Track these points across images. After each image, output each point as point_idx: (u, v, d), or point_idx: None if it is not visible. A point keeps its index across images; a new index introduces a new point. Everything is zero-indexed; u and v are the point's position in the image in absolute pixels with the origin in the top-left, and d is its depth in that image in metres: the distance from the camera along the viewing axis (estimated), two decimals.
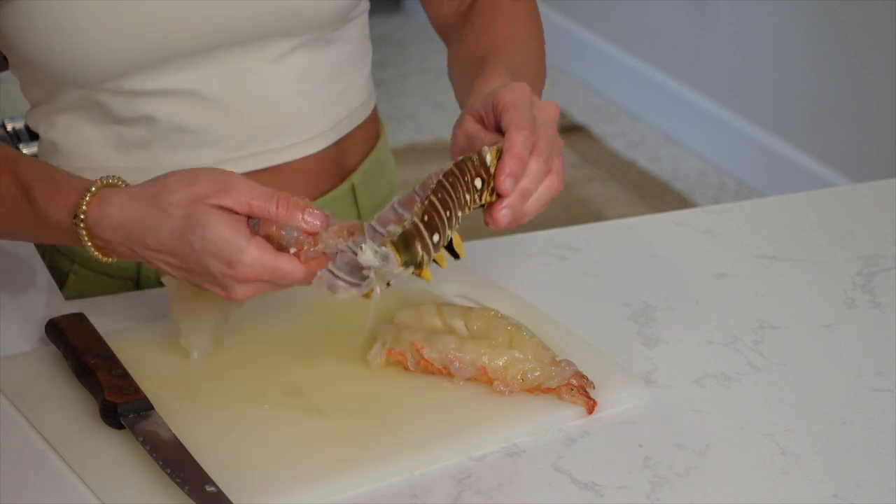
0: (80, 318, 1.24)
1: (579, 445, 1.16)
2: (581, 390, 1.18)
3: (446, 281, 1.36)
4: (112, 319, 1.29)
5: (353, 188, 1.51)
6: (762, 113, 3.88)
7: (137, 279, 1.45)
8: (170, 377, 1.20)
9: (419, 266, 1.12)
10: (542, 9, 1.58)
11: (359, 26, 1.48)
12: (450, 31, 1.49)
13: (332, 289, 1.12)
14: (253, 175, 1.40)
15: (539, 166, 1.16)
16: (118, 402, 1.13)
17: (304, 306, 1.30)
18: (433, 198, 1.12)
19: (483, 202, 1.16)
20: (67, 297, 1.41)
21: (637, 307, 1.36)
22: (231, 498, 1.05)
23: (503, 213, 1.15)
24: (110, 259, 1.19)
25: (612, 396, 1.20)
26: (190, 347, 1.22)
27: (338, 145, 1.48)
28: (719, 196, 3.87)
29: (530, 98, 1.19)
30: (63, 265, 1.46)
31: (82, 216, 1.16)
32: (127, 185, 1.18)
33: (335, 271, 1.12)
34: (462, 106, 1.31)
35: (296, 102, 1.42)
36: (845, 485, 1.12)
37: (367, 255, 1.11)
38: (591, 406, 1.18)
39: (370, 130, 1.55)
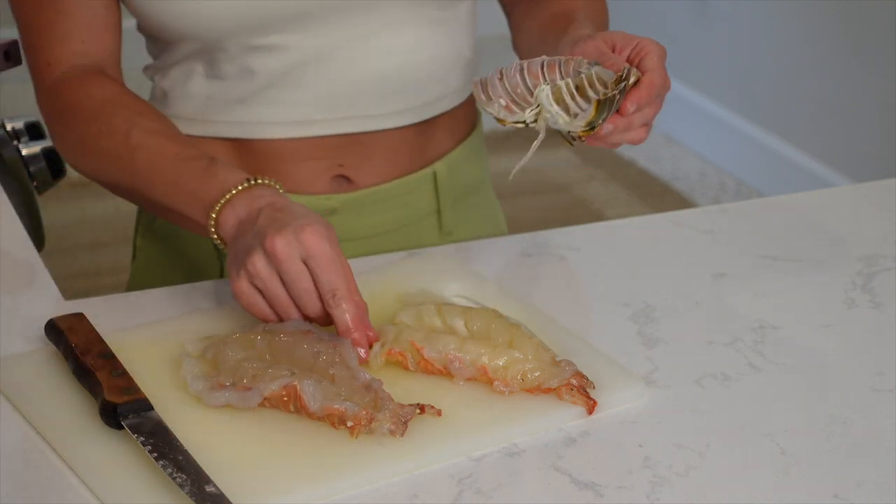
0: (79, 318, 1.24)
1: (579, 445, 1.16)
2: (581, 390, 1.18)
3: (446, 281, 1.36)
4: (112, 319, 1.29)
5: (434, 176, 1.54)
6: (762, 113, 3.88)
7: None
8: (169, 377, 1.20)
9: (591, 129, 1.27)
10: None
11: (466, 11, 1.52)
12: (517, 3, 1.53)
13: (491, 94, 1.28)
14: (334, 140, 1.47)
15: (647, 115, 1.30)
16: (118, 403, 1.13)
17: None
18: (617, 94, 1.26)
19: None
20: (134, 275, 1.54)
21: (637, 307, 1.36)
22: (231, 498, 1.05)
23: (606, 127, 1.28)
24: (216, 230, 1.27)
25: (612, 396, 1.20)
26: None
27: (424, 126, 1.52)
28: (719, 196, 3.87)
29: (664, 54, 1.33)
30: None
31: (259, 181, 1.28)
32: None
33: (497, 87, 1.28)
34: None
35: (391, 73, 1.46)
36: (845, 485, 1.12)
37: (545, 93, 1.27)
38: (591, 406, 1.18)
39: (464, 119, 1.57)
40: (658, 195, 3.88)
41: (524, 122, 1.28)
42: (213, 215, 1.27)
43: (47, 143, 1.70)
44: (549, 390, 1.18)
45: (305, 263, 1.20)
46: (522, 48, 1.49)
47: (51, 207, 3.53)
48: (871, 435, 1.18)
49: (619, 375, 1.23)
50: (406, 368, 1.21)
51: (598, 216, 3.71)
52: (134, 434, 1.11)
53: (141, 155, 1.34)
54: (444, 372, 1.20)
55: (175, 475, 1.06)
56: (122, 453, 1.11)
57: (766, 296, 1.40)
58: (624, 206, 3.81)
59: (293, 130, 1.47)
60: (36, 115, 1.74)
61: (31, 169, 1.68)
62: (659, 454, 1.15)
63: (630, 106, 1.27)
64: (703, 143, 4.09)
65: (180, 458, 1.08)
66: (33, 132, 1.70)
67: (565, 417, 1.18)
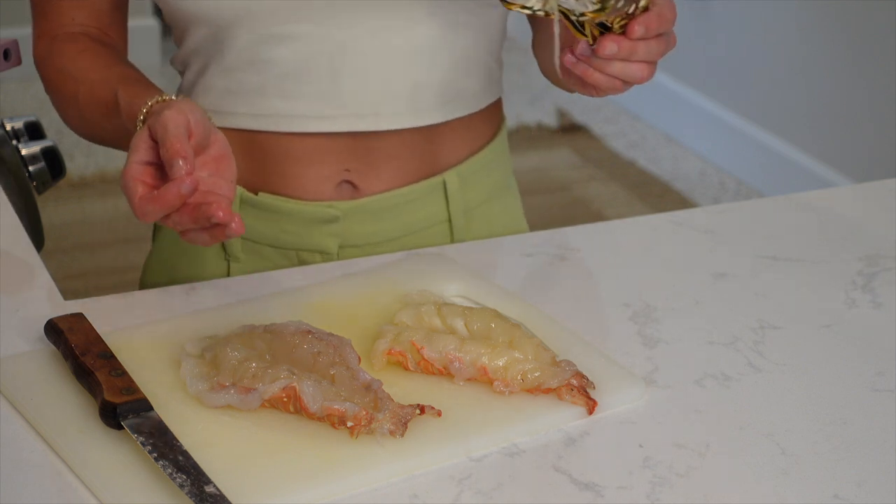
0: (79, 318, 1.24)
1: (579, 446, 1.15)
2: (581, 390, 1.18)
3: (446, 281, 1.36)
4: (112, 319, 1.29)
5: (444, 185, 1.52)
6: (762, 113, 3.88)
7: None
8: (169, 377, 1.20)
9: (602, 10, 1.21)
10: None
11: (496, 19, 1.50)
12: None
13: None
14: (343, 141, 1.47)
15: (652, 50, 1.26)
16: (117, 403, 1.13)
17: (302, 306, 1.30)
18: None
19: (609, 24, 1.25)
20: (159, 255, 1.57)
21: (637, 307, 1.36)
22: (231, 498, 1.05)
23: (610, 46, 1.24)
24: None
25: (613, 397, 1.20)
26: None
27: (435, 132, 1.50)
28: (719, 196, 3.87)
29: None
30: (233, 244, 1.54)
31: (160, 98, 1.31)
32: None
33: None
34: (546, 75, 1.49)
35: (405, 71, 1.45)
36: (846, 485, 1.12)
37: None
38: (591, 406, 1.18)
39: (482, 127, 1.55)
40: (658, 195, 3.88)
41: (530, 8, 1.23)
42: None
43: (47, 143, 1.70)
44: (549, 390, 1.18)
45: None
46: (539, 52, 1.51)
47: (50, 207, 3.54)
48: (871, 435, 1.18)
49: (619, 375, 1.23)
50: (406, 369, 1.21)
51: (598, 216, 3.71)
52: (134, 434, 1.10)
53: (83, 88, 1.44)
54: (444, 372, 1.20)
55: (175, 475, 1.06)
56: (121, 453, 1.11)
57: (766, 296, 1.40)
58: (624, 206, 3.81)
59: (305, 124, 1.46)
60: (36, 115, 1.74)
61: (31, 169, 1.68)
62: (659, 454, 1.15)
63: (638, 28, 1.23)
64: (703, 143, 4.09)
65: (180, 458, 1.08)
66: (33, 132, 1.70)
67: (565, 418, 1.18)
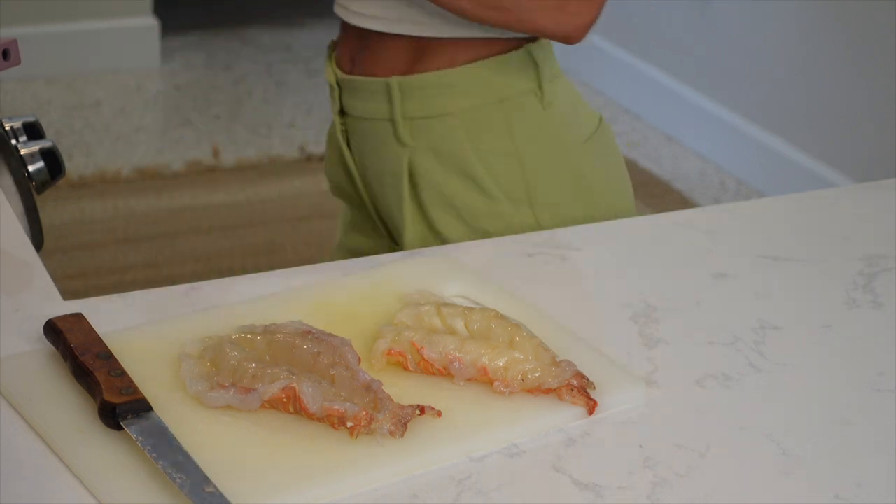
0: (78, 318, 1.24)
1: (579, 446, 1.15)
2: (581, 391, 1.18)
3: (446, 281, 1.36)
4: (111, 319, 1.29)
5: (387, 86, 1.67)
6: (762, 113, 3.88)
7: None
8: (169, 378, 1.19)
9: None
10: None
11: None
12: None
13: None
14: (354, 31, 1.69)
15: None
16: (117, 403, 1.12)
17: (302, 306, 1.30)
18: None
19: None
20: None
21: (637, 307, 1.36)
22: (231, 498, 1.05)
23: None
24: None
25: (613, 397, 1.20)
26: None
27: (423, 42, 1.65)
28: (719, 196, 3.87)
29: None
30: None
31: None
32: None
33: None
34: None
35: None
36: (846, 485, 1.12)
37: None
38: (591, 406, 1.18)
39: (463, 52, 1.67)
40: (658, 195, 3.88)
41: None
42: None
43: (46, 142, 1.70)
44: (549, 391, 1.18)
45: None
46: None
47: (50, 207, 3.53)
48: (871, 435, 1.18)
49: (620, 376, 1.23)
50: (406, 369, 1.21)
51: None
52: (133, 434, 1.10)
53: None
54: (444, 372, 1.20)
55: (174, 476, 1.06)
56: (121, 454, 1.11)
57: (766, 296, 1.40)
58: None
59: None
60: (35, 115, 1.74)
61: (30, 169, 1.68)
62: (659, 455, 1.14)
63: None
64: (703, 143, 4.09)
65: (180, 458, 1.08)
66: (32, 132, 1.70)
67: (565, 418, 1.17)
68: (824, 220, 1.57)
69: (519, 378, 1.18)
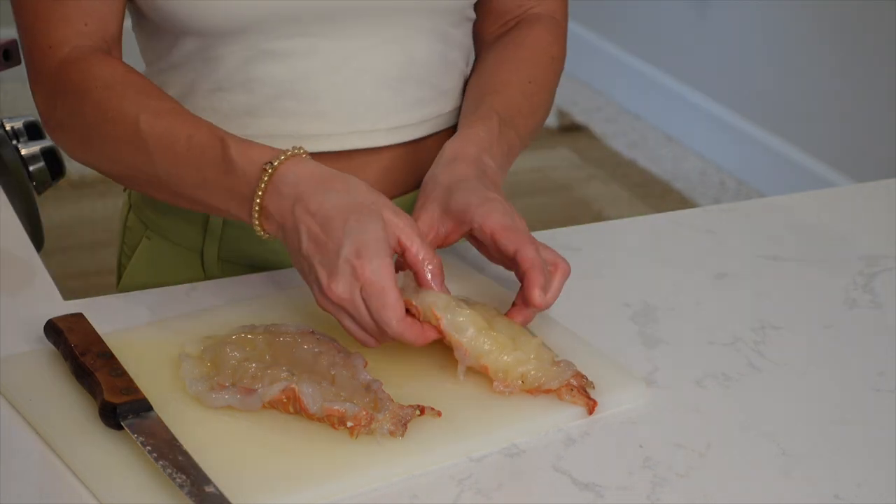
0: (79, 318, 1.24)
1: (579, 446, 1.15)
2: (581, 391, 1.18)
3: (446, 281, 1.36)
4: (111, 319, 1.29)
5: None
6: (762, 113, 3.88)
7: (202, 256, 1.48)
8: (169, 377, 1.19)
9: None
10: None
11: (468, 31, 1.49)
12: (479, 52, 1.51)
13: None
14: (331, 158, 1.41)
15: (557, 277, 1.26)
16: (117, 403, 1.13)
17: (302, 306, 1.30)
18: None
19: None
20: (135, 267, 1.53)
21: (637, 307, 1.36)
22: (231, 498, 1.05)
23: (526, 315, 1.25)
24: (264, 233, 1.25)
25: (613, 397, 1.20)
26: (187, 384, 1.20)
27: (418, 145, 1.47)
28: (719, 196, 3.87)
29: (511, 212, 1.27)
30: (137, 232, 1.52)
31: (275, 164, 1.22)
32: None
33: None
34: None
35: (400, 82, 1.43)
36: (846, 485, 1.12)
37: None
38: (591, 406, 1.18)
39: None
40: (658, 195, 3.88)
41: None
42: (256, 222, 1.24)
43: (46, 142, 1.70)
44: (549, 391, 1.18)
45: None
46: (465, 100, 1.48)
47: (50, 207, 3.53)
48: (871, 435, 1.18)
49: (620, 376, 1.23)
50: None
51: (598, 216, 3.71)
52: (133, 434, 1.10)
53: (154, 143, 1.30)
54: (448, 344, 1.19)
55: (175, 475, 1.06)
56: (121, 453, 1.11)
57: (767, 296, 1.40)
58: (624, 206, 3.81)
59: (297, 144, 1.34)
60: (35, 115, 1.74)
61: (31, 169, 1.68)
62: (659, 454, 1.14)
63: (537, 294, 1.24)
64: (703, 143, 4.09)
65: (180, 458, 1.08)
66: (32, 132, 1.70)
67: (565, 418, 1.18)
68: (824, 220, 1.57)
69: (519, 379, 1.18)
